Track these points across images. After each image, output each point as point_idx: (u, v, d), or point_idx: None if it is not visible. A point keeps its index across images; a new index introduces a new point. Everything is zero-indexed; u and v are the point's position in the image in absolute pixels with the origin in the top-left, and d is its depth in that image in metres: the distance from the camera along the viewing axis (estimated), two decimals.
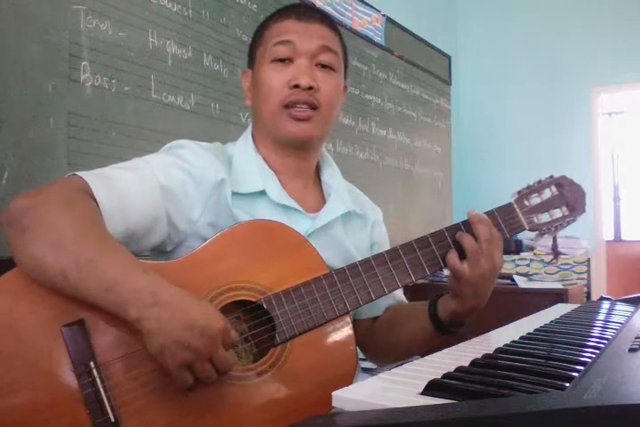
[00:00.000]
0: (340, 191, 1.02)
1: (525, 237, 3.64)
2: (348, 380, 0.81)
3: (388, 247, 1.07)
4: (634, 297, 1.12)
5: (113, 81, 1.62)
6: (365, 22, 2.92)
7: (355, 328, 1.03)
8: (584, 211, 1.00)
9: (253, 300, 0.81)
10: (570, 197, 0.98)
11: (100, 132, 1.58)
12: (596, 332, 0.76)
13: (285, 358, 0.80)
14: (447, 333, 0.93)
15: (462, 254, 0.88)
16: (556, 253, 1.03)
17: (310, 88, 0.92)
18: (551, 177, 1.00)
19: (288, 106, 0.92)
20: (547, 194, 0.98)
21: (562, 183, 0.99)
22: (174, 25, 1.82)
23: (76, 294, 0.71)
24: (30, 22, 1.43)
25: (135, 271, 0.71)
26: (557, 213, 0.98)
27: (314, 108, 0.93)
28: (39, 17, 1.45)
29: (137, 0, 1.70)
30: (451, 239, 0.90)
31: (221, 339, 0.70)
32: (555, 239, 1.01)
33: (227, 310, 0.80)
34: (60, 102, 1.48)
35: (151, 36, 1.74)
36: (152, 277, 0.71)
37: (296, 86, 0.91)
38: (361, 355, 1.06)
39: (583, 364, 0.55)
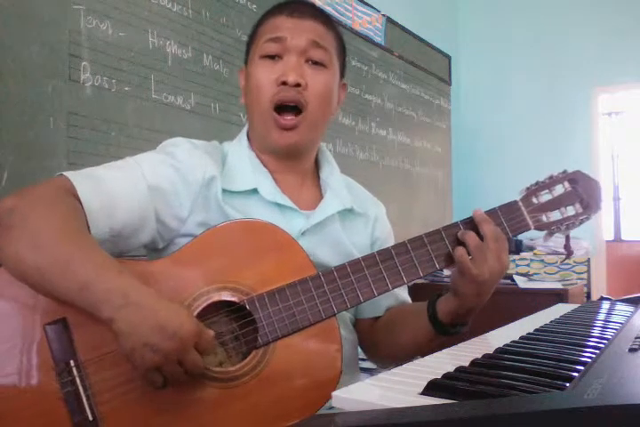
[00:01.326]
0: (336, 188, 1.01)
1: (525, 237, 3.64)
2: (330, 385, 0.78)
3: (392, 242, 1.05)
4: (634, 297, 1.12)
5: (113, 81, 1.62)
6: (365, 22, 2.92)
7: (356, 328, 1.03)
8: (599, 208, 0.92)
9: (237, 301, 0.80)
10: (584, 194, 0.92)
11: (100, 132, 1.58)
12: (596, 332, 0.76)
13: (267, 361, 0.78)
14: (448, 334, 0.91)
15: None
16: (569, 252, 0.97)
17: (298, 85, 0.91)
18: (564, 172, 0.94)
19: (277, 108, 0.92)
20: (559, 190, 0.92)
21: (576, 179, 0.93)
22: (174, 25, 1.82)
23: (53, 293, 0.72)
24: (30, 22, 1.43)
25: (109, 272, 0.71)
26: (570, 210, 0.92)
27: (300, 111, 0.92)
28: (39, 17, 1.45)
29: (137, 0, 1.70)
30: (449, 239, 0.87)
31: (193, 342, 0.70)
32: (567, 238, 0.95)
33: (212, 309, 0.79)
34: (59, 102, 1.48)
35: (151, 36, 1.74)
36: (126, 278, 0.71)
37: (284, 83, 0.90)
38: (361, 355, 1.06)
39: (583, 364, 0.55)
